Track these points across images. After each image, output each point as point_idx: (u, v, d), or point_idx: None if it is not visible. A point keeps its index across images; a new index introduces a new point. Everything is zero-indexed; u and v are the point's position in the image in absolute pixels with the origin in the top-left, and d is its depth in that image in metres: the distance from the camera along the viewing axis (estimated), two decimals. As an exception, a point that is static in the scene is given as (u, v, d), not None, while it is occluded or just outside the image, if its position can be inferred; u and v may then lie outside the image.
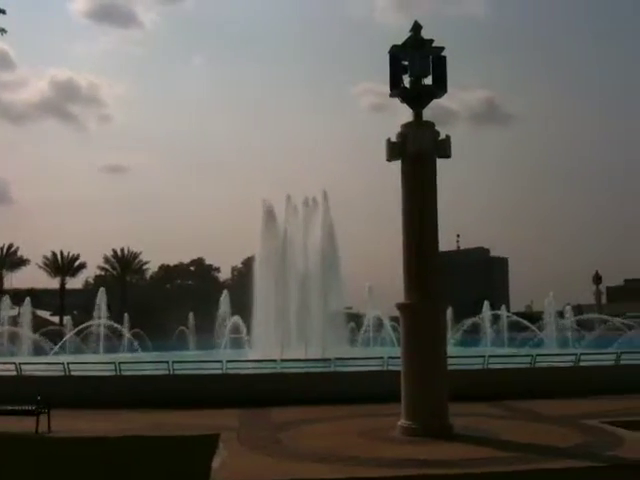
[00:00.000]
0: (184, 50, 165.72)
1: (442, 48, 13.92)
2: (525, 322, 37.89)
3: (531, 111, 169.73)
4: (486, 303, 42.01)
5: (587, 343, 34.05)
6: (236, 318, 33.13)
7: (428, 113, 14.02)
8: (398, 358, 13.94)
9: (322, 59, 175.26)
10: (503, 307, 45.74)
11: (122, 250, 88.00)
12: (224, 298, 38.05)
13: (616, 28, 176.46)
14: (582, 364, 20.11)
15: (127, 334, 39.33)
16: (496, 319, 41.51)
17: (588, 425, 13.83)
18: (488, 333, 36.04)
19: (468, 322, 39.20)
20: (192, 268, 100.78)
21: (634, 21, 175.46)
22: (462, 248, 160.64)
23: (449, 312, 30.78)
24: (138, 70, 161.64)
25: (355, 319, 41.29)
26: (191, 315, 44.24)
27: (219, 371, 18.83)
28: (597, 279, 70.32)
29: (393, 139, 13.85)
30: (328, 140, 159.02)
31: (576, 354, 20.69)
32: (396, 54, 13.85)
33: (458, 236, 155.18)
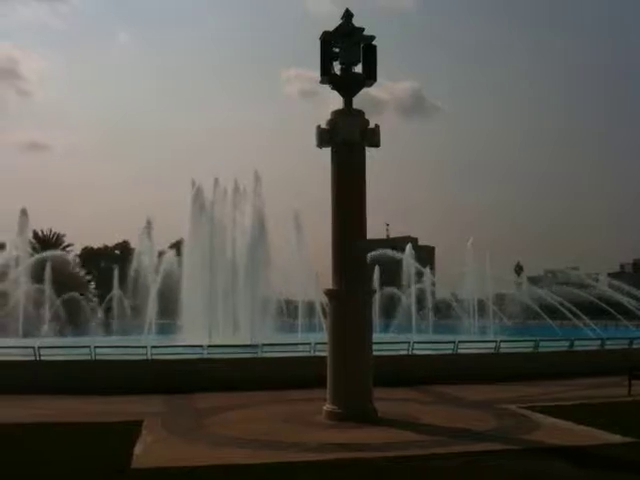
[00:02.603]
0: (110, 27, 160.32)
1: (373, 37, 14.01)
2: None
3: (457, 103, 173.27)
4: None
5: (508, 330, 35.34)
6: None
7: (358, 102, 14.16)
8: (326, 344, 14.06)
9: (252, 42, 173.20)
10: (428, 295, 46.75)
11: (42, 231, 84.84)
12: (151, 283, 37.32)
13: (541, 22, 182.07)
14: (502, 351, 20.83)
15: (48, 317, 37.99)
16: (422, 306, 42.53)
17: (505, 410, 14.34)
18: (413, 320, 36.86)
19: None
20: (117, 252, 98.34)
21: (559, 15, 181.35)
22: (391, 237, 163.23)
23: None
24: (61, 44, 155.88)
25: (288, 305, 41.40)
26: (116, 299, 43.14)
27: (143, 357, 18.49)
28: (518, 269, 72.93)
29: (323, 126, 13.90)
30: (257, 125, 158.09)
31: (496, 341, 21.39)
32: (327, 41, 13.87)
33: (387, 225, 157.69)
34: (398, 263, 47.36)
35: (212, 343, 21.81)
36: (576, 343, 22.57)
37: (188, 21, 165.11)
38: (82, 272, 52.28)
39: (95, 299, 44.00)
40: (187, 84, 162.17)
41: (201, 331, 28.02)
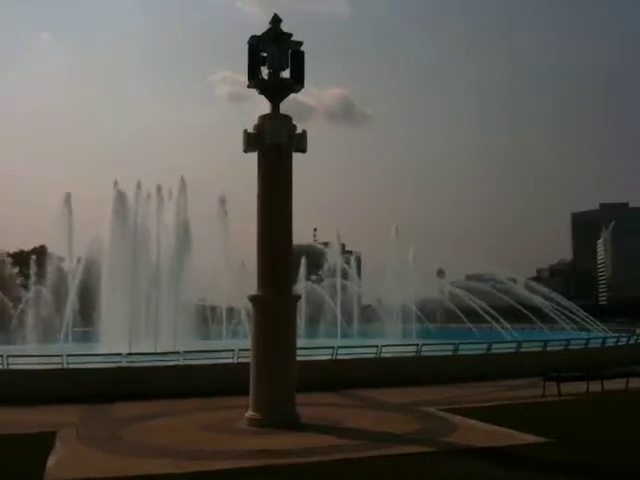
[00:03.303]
0: (31, 26, 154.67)
1: (301, 43, 14.06)
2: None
3: (386, 111, 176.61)
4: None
5: (431, 334, 36.10)
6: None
7: (287, 107, 14.18)
8: (249, 350, 13.93)
9: (180, 44, 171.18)
10: (355, 300, 47.17)
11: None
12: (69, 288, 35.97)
13: (470, 30, 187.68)
14: (423, 354, 21.25)
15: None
16: (349, 311, 42.83)
17: (426, 412, 14.60)
18: (339, 324, 37.07)
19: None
20: (33, 257, 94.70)
21: (485, 24, 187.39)
22: (319, 242, 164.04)
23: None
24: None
25: (211, 311, 40.77)
26: (31, 306, 41.30)
27: (59, 366, 17.80)
28: (441, 273, 74.69)
29: (250, 130, 13.82)
30: (184, 127, 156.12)
31: (418, 345, 21.79)
32: (255, 45, 13.84)
33: (315, 230, 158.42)
34: (323, 256, 47.85)
35: (132, 351, 21.23)
36: (494, 346, 23.28)
37: (115, 20, 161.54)
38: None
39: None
40: (110, 84, 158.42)
41: (121, 338, 27.23)
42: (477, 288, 42.78)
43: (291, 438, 11.74)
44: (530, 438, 11.64)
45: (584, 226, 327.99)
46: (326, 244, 54.91)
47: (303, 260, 46.38)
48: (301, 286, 40.46)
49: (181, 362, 18.98)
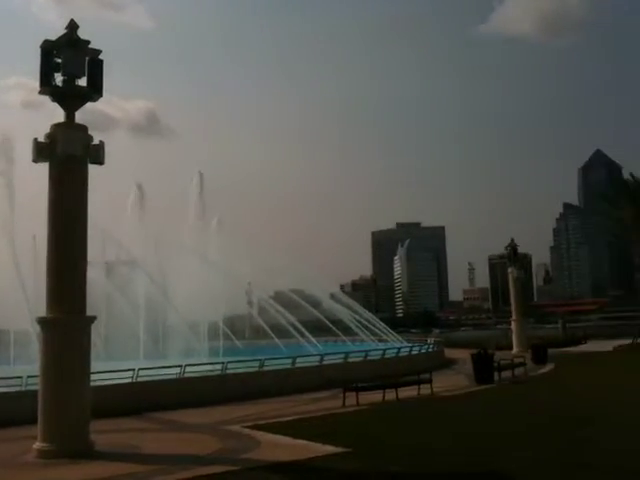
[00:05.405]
0: None
1: (99, 51, 13.42)
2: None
3: (191, 126, 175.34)
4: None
5: (237, 351, 36.07)
6: None
7: (86, 117, 13.50)
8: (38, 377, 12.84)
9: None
10: (159, 318, 45.70)
11: None
12: None
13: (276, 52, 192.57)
14: (229, 372, 21.13)
15: None
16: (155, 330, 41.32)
17: (230, 431, 14.48)
18: (141, 344, 35.57)
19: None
20: None
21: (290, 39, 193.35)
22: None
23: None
24: None
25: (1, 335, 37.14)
26: None
27: None
28: (249, 291, 75.23)
29: (41, 139, 12.89)
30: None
31: (223, 362, 21.63)
32: (48, 50, 12.97)
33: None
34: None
35: None
36: (298, 360, 23.81)
37: None
38: None
39: None
40: None
41: None
42: (285, 303, 43.58)
43: (83, 468, 10.98)
44: (330, 449, 12.00)
45: (382, 244, 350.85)
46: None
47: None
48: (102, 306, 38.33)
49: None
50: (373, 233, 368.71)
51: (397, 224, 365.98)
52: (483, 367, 24.18)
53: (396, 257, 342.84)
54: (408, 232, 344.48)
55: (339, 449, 11.94)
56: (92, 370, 12.95)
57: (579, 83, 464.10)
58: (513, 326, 47.19)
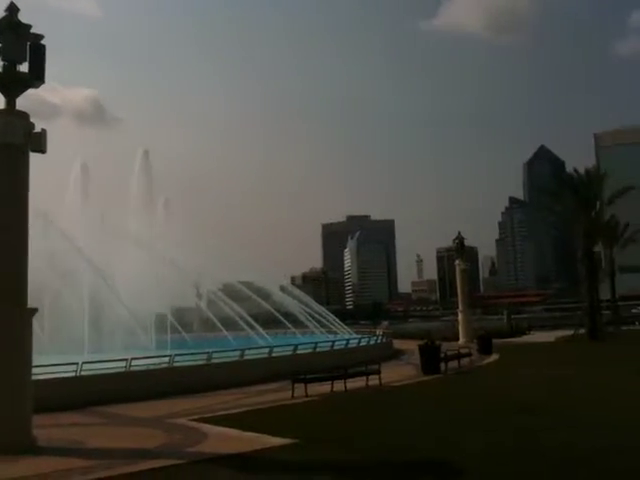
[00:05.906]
0: None
1: (41, 36, 13.00)
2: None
3: (139, 114, 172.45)
4: None
5: (185, 344, 35.70)
6: None
7: (30, 105, 13.06)
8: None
9: None
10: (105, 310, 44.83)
11: None
12: None
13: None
14: (176, 364, 20.89)
15: None
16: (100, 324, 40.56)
17: (176, 424, 14.31)
18: (86, 338, 34.83)
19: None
20: None
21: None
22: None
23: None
24: None
25: None
26: None
27: None
28: (197, 284, 74.20)
29: (-22, 127, 12.44)
30: None
31: (170, 355, 21.38)
32: (-14, 34, 12.50)
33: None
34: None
35: None
36: (247, 352, 23.71)
37: None
38: None
39: None
40: None
41: None
42: (235, 295, 43.27)
43: (25, 464, 10.67)
44: (277, 441, 12.00)
45: (332, 236, 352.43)
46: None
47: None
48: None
49: None
50: (324, 225, 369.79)
51: (347, 217, 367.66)
52: (430, 358, 24.58)
53: (346, 249, 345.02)
54: (358, 225, 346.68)
55: (287, 440, 11.95)
56: (34, 364, 12.63)
57: (527, 80, 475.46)
58: (459, 317, 48.11)
